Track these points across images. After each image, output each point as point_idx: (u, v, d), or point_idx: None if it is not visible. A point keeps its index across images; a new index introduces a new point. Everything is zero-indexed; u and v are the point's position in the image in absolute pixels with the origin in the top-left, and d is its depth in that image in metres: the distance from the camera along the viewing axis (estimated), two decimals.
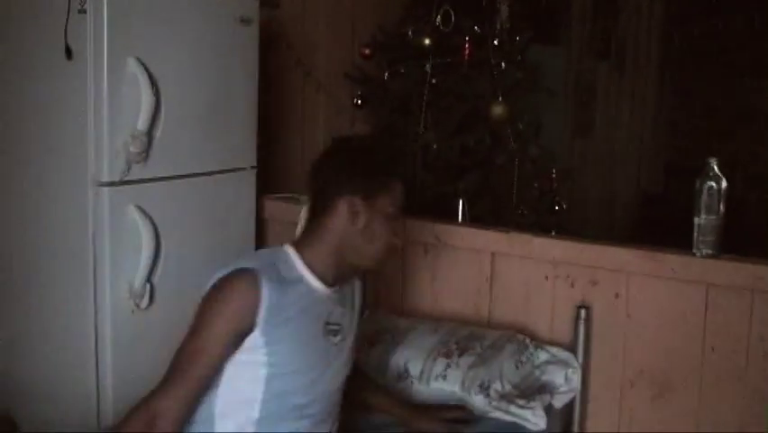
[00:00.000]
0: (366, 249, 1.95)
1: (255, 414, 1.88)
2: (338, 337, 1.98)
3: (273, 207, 3.20)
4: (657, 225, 6.03)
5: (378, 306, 2.93)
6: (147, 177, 2.53)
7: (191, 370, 1.85)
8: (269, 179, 3.25)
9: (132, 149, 2.43)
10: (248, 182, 2.97)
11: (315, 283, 1.92)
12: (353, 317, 2.08)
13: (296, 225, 3.03)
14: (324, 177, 1.98)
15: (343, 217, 1.92)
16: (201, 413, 1.90)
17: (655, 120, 6.88)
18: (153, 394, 1.85)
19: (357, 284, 2.13)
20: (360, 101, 3.49)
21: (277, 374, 1.86)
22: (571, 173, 4.18)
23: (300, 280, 1.91)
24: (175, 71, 2.58)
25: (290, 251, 1.95)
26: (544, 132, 3.72)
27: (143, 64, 2.44)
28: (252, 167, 2.96)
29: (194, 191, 2.72)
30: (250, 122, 2.92)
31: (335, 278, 1.96)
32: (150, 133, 2.49)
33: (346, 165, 1.96)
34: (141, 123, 2.45)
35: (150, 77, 2.46)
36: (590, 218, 5.62)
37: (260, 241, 3.15)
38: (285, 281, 1.87)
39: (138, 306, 2.52)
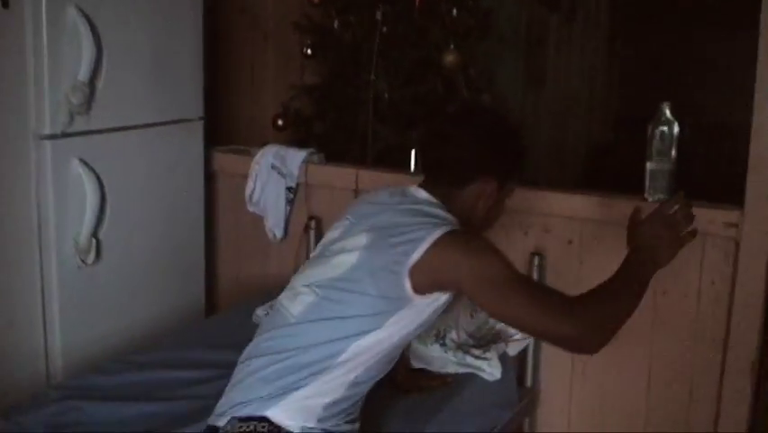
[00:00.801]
0: (484, 221, 2.03)
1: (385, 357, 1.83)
2: None
3: (222, 159, 3.14)
4: (608, 175, 6.08)
5: None
6: (90, 129, 2.48)
7: None
8: (219, 132, 3.19)
9: (73, 100, 2.37)
10: (195, 134, 2.91)
11: None
12: None
13: (245, 177, 3.01)
14: (468, 149, 1.98)
15: (475, 194, 1.96)
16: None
17: (607, 71, 6.89)
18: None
19: None
20: (309, 50, 3.41)
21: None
22: (524, 122, 4.15)
23: None
24: (117, 19, 2.51)
25: (450, 216, 1.88)
26: (497, 81, 3.69)
27: (84, 12, 2.38)
28: (200, 118, 2.90)
29: (139, 143, 2.66)
30: (196, 71, 2.85)
31: None
32: (92, 83, 2.43)
33: (494, 145, 1.98)
34: (83, 73, 2.39)
35: (92, 25, 2.40)
36: (542, 168, 5.63)
37: (210, 194, 3.10)
38: None
39: (84, 262, 2.48)
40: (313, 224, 2.94)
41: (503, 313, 1.81)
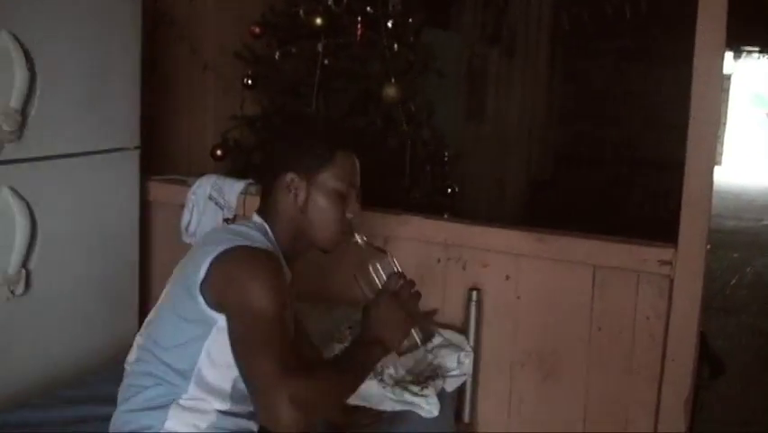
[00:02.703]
0: (315, 228, 1.87)
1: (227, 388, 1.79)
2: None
3: (158, 188, 3.09)
4: (546, 209, 6.16)
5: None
6: (21, 157, 2.41)
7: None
8: (153, 161, 3.14)
9: (4, 127, 2.31)
10: (131, 163, 2.86)
11: (282, 261, 1.83)
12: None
13: (182, 207, 2.96)
14: (266, 152, 1.96)
15: (285, 195, 1.85)
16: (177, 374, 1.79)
17: (546, 105, 7.00)
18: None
19: None
20: (250, 81, 3.40)
21: None
22: (463, 157, 4.18)
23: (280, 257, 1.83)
24: (51, 45, 2.46)
25: (267, 227, 1.86)
26: (437, 115, 3.71)
27: (16, 37, 2.32)
28: (136, 147, 2.85)
29: (72, 172, 2.61)
30: (132, 100, 2.81)
31: (291, 255, 1.89)
32: (24, 110, 2.37)
33: (284, 139, 1.94)
34: (15, 100, 2.33)
35: (25, 51, 2.34)
36: (481, 202, 5.68)
37: (145, 224, 3.05)
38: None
39: (13, 292, 2.41)
40: None
41: (234, 347, 1.66)
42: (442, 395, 2.38)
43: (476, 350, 2.58)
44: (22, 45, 2.33)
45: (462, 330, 2.60)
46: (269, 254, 1.75)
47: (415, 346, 1.84)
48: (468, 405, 2.61)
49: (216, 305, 1.70)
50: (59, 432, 2.12)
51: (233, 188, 2.92)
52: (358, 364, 1.73)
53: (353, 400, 2.31)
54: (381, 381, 2.33)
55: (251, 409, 1.79)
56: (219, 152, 3.30)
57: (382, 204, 3.04)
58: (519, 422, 2.64)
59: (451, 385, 2.47)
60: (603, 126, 6.80)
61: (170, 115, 3.50)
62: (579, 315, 2.51)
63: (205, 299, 1.70)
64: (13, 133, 2.34)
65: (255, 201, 2.88)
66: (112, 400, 2.25)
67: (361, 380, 1.74)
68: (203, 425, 1.77)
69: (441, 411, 2.32)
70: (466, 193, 4.07)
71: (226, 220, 2.91)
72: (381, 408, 2.29)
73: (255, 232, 1.81)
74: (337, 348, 2.42)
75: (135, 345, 1.91)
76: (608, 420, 2.52)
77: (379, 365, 2.32)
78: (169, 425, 1.76)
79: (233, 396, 1.79)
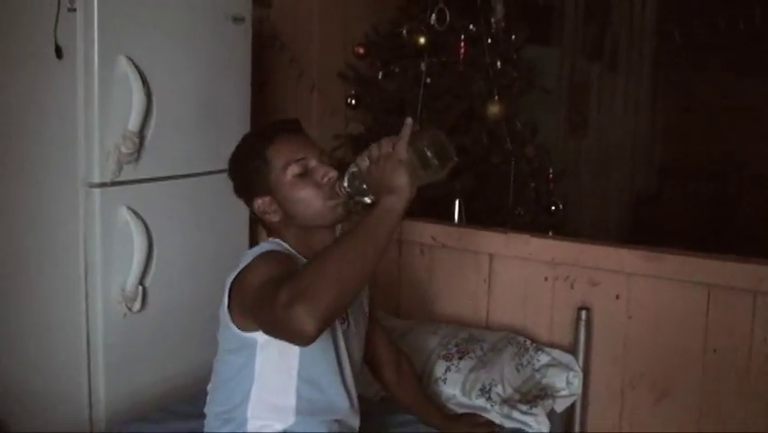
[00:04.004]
0: (306, 217, 1.82)
1: (292, 402, 1.81)
2: (344, 325, 1.88)
3: None
4: (650, 225, 6.02)
5: (374, 307, 2.89)
6: (138, 178, 2.49)
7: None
8: None
9: (123, 149, 2.39)
10: None
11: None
12: (360, 305, 2.01)
13: None
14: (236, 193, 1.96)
15: (268, 215, 1.86)
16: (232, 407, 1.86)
17: (649, 120, 6.85)
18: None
19: None
20: (353, 101, 3.45)
21: (306, 360, 1.79)
22: (567, 173, 4.13)
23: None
24: (167, 70, 2.53)
25: (277, 240, 1.86)
26: (539, 132, 3.69)
27: (134, 63, 2.40)
28: None
29: (186, 192, 2.68)
30: (242, 121, 2.87)
31: (315, 245, 1.82)
32: (141, 133, 2.45)
33: (230, 175, 1.94)
34: (133, 123, 2.41)
35: (142, 76, 2.42)
36: (584, 219, 5.59)
37: (254, 242, 3.10)
38: None
39: (130, 309, 2.48)
40: None
41: (253, 316, 1.64)
42: (551, 415, 2.34)
43: (585, 370, 2.54)
44: (138, 69, 2.41)
45: (571, 350, 2.56)
46: (275, 251, 1.77)
47: (436, 171, 1.57)
48: (578, 426, 2.57)
49: (244, 323, 1.72)
50: None
51: None
52: (362, 229, 1.48)
53: (462, 409, 2.30)
54: (489, 399, 2.32)
55: (326, 418, 1.83)
56: None
57: (487, 222, 3.04)
58: None
59: (560, 406, 2.43)
60: (710, 141, 6.61)
61: None
62: (692, 336, 2.44)
63: (236, 324, 1.74)
64: (131, 155, 2.42)
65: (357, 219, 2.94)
66: None
67: (370, 246, 1.47)
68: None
69: (550, 431, 2.29)
70: (569, 210, 4.01)
71: None
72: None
73: (274, 246, 1.82)
74: (444, 366, 2.41)
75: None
76: None
77: (486, 383, 2.31)
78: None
79: (300, 409, 1.80)
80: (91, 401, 2.47)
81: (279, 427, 1.80)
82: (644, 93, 6.69)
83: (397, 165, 1.51)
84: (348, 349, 1.89)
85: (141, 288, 2.49)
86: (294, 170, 1.80)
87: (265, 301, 1.48)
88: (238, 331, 1.75)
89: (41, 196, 2.48)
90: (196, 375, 2.72)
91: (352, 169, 1.67)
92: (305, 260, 1.78)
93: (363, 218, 1.50)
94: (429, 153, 1.56)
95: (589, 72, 6.01)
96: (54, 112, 2.41)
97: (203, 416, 2.32)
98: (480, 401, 2.31)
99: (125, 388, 2.53)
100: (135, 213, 2.46)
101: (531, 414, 2.27)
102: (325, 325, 1.40)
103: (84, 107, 2.35)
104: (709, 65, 6.53)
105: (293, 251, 1.83)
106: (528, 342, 2.57)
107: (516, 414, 2.27)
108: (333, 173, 1.80)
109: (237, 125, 2.85)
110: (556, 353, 2.55)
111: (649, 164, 6.98)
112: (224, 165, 2.78)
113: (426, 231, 2.83)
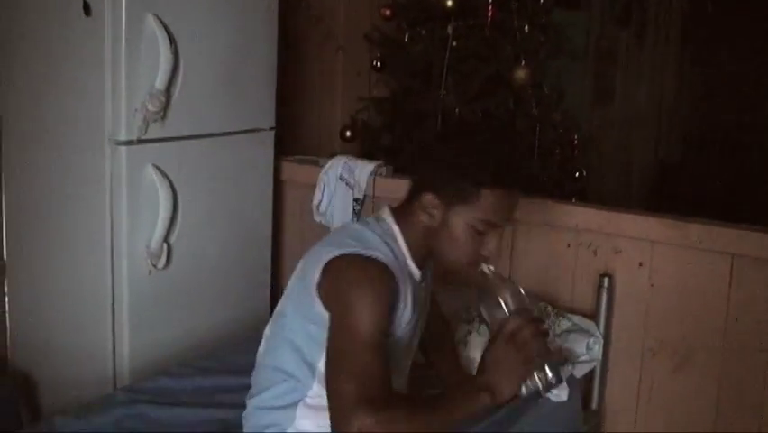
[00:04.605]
0: (445, 250, 1.78)
1: None
2: (415, 316, 1.84)
3: (291, 168, 3.16)
4: (675, 194, 5.98)
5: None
6: (165, 136, 2.50)
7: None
8: (287, 141, 3.21)
9: (149, 107, 2.40)
10: (266, 143, 2.94)
11: (414, 268, 1.80)
12: (428, 295, 1.99)
13: (313, 187, 3.02)
14: (421, 162, 1.88)
15: (422, 212, 1.76)
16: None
17: (675, 89, 6.78)
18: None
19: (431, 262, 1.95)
20: (379, 63, 3.43)
21: None
22: (592, 140, 4.11)
23: (405, 264, 1.78)
24: (194, 29, 2.54)
25: (396, 229, 1.79)
26: (566, 98, 3.66)
27: (162, 22, 2.41)
28: (271, 128, 2.93)
29: (212, 151, 2.69)
30: (268, 82, 2.88)
31: (423, 260, 1.83)
32: (168, 91, 2.46)
33: (433, 159, 1.81)
34: (160, 81, 2.42)
35: (169, 34, 2.42)
36: (609, 186, 5.57)
37: (278, 203, 3.13)
38: (401, 270, 1.75)
39: (155, 266, 2.51)
40: None
41: (327, 353, 1.64)
42: (570, 381, 2.35)
43: (606, 337, 2.54)
44: (167, 28, 2.41)
45: (592, 316, 2.57)
46: (382, 268, 1.68)
47: (536, 393, 1.65)
48: (596, 392, 2.58)
49: (329, 308, 1.69)
50: (195, 400, 2.20)
51: (363, 170, 2.96)
52: (455, 409, 1.59)
53: None
54: None
55: None
56: (348, 133, 3.35)
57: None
58: (648, 411, 2.59)
59: (580, 371, 2.44)
60: (737, 110, 6.53)
61: (302, 95, 3.57)
62: (715, 305, 2.44)
63: (321, 300, 1.69)
64: (157, 114, 2.43)
65: (385, 182, 2.95)
66: (243, 372, 2.34)
67: (452, 428, 1.60)
68: (326, 423, 1.68)
69: (569, 396, 2.30)
70: (593, 177, 4.00)
71: (356, 200, 2.96)
72: None
73: (377, 237, 1.75)
74: (465, 329, 2.42)
75: (264, 336, 1.92)
76: (741, 413, 2.44)
77: None
78: (298, 424, 1.77)
79: None
80: (115, 356, 2.51)
81: None
82: (671, 60, 6.61)
83: (524, 376, 1.59)
84: (413, 339, 1.89)
85: (165, 245, 2.52)
86: (479, 226, 1.73)
87: (348, 396, 1.52)
88: (321, 307, 1.70)
89: (69, 153, 2.50)
90: (219, 332, 2.76)
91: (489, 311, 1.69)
92: (408, 264, 1.78)
93: (468, 402, 1.58)
94: (552, 380, 1.62)
95: (617, 38, 5.94)
96: (81, 69, 2.42)
97: (224, 371, 2.37)
98: None
99: (149, 343, 2.56)
100: (161, 171, 2.48)
101: None
102: None
103: (111, 65, 2.36)
104: (739, 33, 6.44)
105: (404, 247, 1.78)
106: (550, 307, 2.58)
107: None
108: (495, 254, 1.78)
109: (263, 86, 2.86)
110: (577, 318, 2.55)
111: (675, 132, 6.92)
112: (251, 125, 2.83)
113: None
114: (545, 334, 1.63)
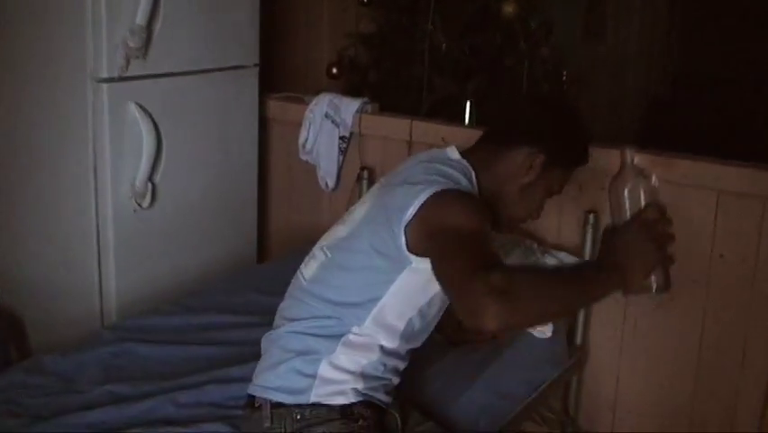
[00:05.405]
0: (515, 203, 1.85)
1: (401, 326, 1.75)
2: None
3: (276, 106, 3.14)
4: (664, 131, 5.96)
5: None
6: (147, 73, 2.47)
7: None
8: (272, 78, 3.18)
9: (130, 43, 2.37)
10: (250, 80, 2.90)
11: None
12: None
13: (299, 125, 3.00)
14: (527, 117, 1.94)
15: (517, 164, 1.82)
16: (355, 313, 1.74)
17: (667, 25, 6.72)
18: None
19: None
20: None
21: (434, 300, 1.75)
22: (582, 76, 4.07)
23: None
24: None
25: (473, 173, 1.79)
26: (555, 33, 3.61)
27: None
28: (255, 65, 2.90)
29: (195, 89, 2.67)
30: (252, 17, 2.83)
31: None
32: (149, 27, 2.42)
33: (552, 123, 1.89)
34: (140, 16, 2.38)
35: None
36: (598, 122, 5.54)
37: (264, 141, 3.11)
38: None
39: (140, 205, 2.50)
40: (365, 174, 2.92)
41: (437, 271, 1.57)
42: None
43: None
44: None
45: (577, 253, 2.58)
46: (484, 203, 1.71)
47: (647, 291, 1.66)
48: (581, 328, 2.60)
49: (418, 247, 1.64)
50: (181, 338, 2.22)
51: (349, 107, 2.94)
52: (582, 281, 1.55)
53: None
54: None
55: (409, 347, 1.79)
56: (335, 70, 3.31)
57: None
58: (632, 347, 2.61)
59: None
60: (728, 45, 6.48)
61: (287, 32, 3.52)
62: (700, 241, 2.44)
63: (407, 238, 1.65)
64: (138, 50, 2.40)
65: (371, 120, 2.93)
66: (230, 311, 2.37)
67: (579, 299, 1.59)
68: (364, 362, 1.71)
69: (553, 333, 2.32)
70: (582, 114, 3.97)
71: (342, 138, 2.94)
72: None
73: (461, 175, 1.75)
74: None
75: (315, 261, 1.82)
76: (724, 350, 2.47)
77: None
78: (335, 357, 1.72)
79: (404, 335, 1.75)
80: (102, 295, 2.52)
81: (385, 343, 1.74)
82: None
83: (654, 265, 1.62)
84: None
85: (150, 184, 2.51)
86: (556, 189, 1.91)
87: (464, 269, 1.46)
88: (404, 246, 1.65)
89: (50, 91, 2.47)
90: (206, 270, 2.77)
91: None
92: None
93: (596, 276, 1.56)
94: (664, 284, 1.68)
95: None
96: (60, 6, 2.38)
97: (210, 309, 2.38)
98: None
99: (136, 282, 2.57)
100: (144, 109, 2.46)
101: None
102: (504, 330, 1.49)
103: (90, 0, 2.32)
104: None
105: (476, 191, 1.77)
106: (535, 245, 2.59)
107: None
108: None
109: (246, 22, 2.82)
110: (563, 255, 2.56)
111: (665, 70, 6.88)
112: (234, 61, 2.80)
113: (437, 132, 2.80)
114: (674, 237, 1.68)
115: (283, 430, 1.68)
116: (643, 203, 1.67)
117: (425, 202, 1.62)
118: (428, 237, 1.62)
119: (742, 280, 2.41)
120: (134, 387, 1.96)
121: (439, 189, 1.64)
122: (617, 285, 1.57)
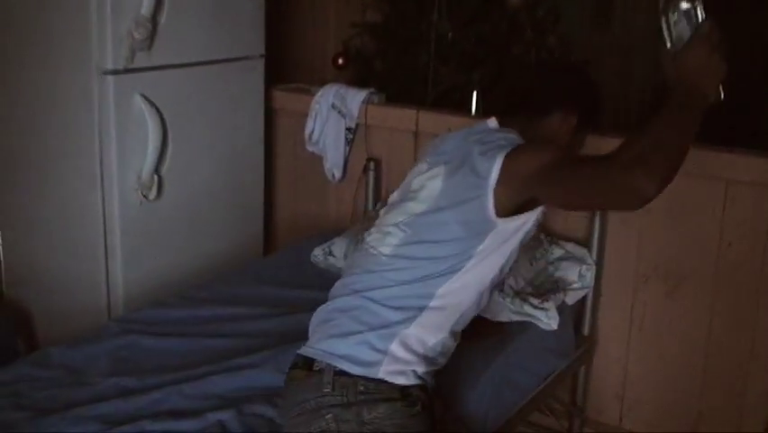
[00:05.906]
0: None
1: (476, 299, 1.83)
2: None
3: (283, 97, 3.13)
4: None
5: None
6: (152, 65, 2.47)
7: None
8: (279, 69, 3.17)
9: (136, 35, 2.37)
10: (256, 71, 2.90)
11: None
12: None
13: (305, 116, 2.99)
14: (555, 85, 2.07)
15: (553, 129, 1.97)
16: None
17: None
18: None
19: None
20: None
21: (505, 264, 1.84)
22: (589, 64, 4.04)
23: None
24: None
25: (519, 138, 1.84)
26: (562, 22, 3.59)
27: None
28: (261, 55, 2.89)
29: (201, 80, 2.66)
30: (257, 9, 2.83)
31: None
32: (154, 18, 2.42)
33: (579, 87, 2.08)
34: (145, 7, 2.38)
35: None
36: (607, 111, 5.52)
37: (270, 132, 3.10)
38: None
39: (146, 197, 2.50)
40: (372, 165, 2.91)
41: (567, 192, 1.69)
42: (562, 308, 2.36)
43: (598, 263, 2.54)
44: None
45: (585, 243, 2.57)
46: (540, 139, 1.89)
47: (718, 98, 1.66)
48: (588, 318, 2.59)
49: (513, 200, 1.71)
50: (188, 330, 2.22)
51: (355, 98, 2.93)
52: (680, 113, 1.58)
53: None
54: (501, 291, 2.33)
55: (471, 316, 1.86)
56: (341, 61, 3.30)
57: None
58: (640, 337, 2.60)
59: (572, 298, 2.45)
60: (737, 30, 6.45)
61: (293, 23, 3.51)
62: (708, 230, 2.43)
63: (495, 201, 1.70)
64: (144, 42, 2.39)
65: (377, 110, 2.92)
66: (237, 302, 2.37)
67: (690, 134, 1.58)
68: (431, 342, 1.76)
69: (560, 324, 2.31)
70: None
71: (348, 129, 2.93)
72: (499, 319, 2.29)
73: (515, 136, 1.83)
74: None
75: (392, 237, 1.83)
76: (732, 339, 2.46)
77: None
78: (406, 335, 1.73)
79: (479, 303, 1.84)
80: (108, 287, 2.52)
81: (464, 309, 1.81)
82: None
83: (724, 72, 1.62)
84: None
85: (156, 176, 2.50)
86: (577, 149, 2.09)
87: (595, 169, 1.56)
88: (491, 210, 1.71)
89: (57, 83, 2.47)
90: (212, 262, 2.77)
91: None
92: None
93: (690, 105, 1.58)
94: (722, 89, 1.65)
95: None
96: None
97: (216, 301, 2.37)
98: (493, 294, 2.32)
99: (142, 274, 2.57)
100: (149, 101, 2.45)
101: (542, 308, 2.29)
102: (662, 189, 1.48)
103: None
104: None
105: None
106: (542, 235, 2.58)
107: (527, 308, 2.29)
108: None
109: (251, 13, 2.81)
110: (570, 246, 2.55)
111: None
112: (240, 52, 2.79)
113: (444, 122, 2.79)
114: (727, 41, 1.66)
115: (345, 399, 1.68)
116: (700, 18, 1.65)
117: (506, 158, 1.71)
118: (526, 183, 1.68)
119: (750, 268, 2.39)
120: (141, 379, 1.96)
121: (510, 149, 1.73)
122: (701, 104, 1.60)
